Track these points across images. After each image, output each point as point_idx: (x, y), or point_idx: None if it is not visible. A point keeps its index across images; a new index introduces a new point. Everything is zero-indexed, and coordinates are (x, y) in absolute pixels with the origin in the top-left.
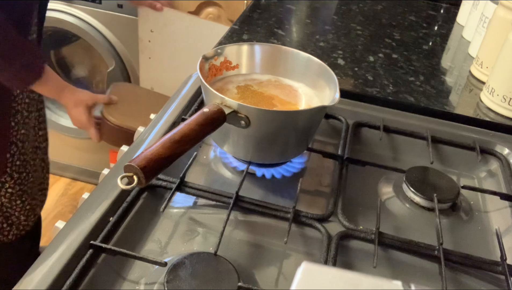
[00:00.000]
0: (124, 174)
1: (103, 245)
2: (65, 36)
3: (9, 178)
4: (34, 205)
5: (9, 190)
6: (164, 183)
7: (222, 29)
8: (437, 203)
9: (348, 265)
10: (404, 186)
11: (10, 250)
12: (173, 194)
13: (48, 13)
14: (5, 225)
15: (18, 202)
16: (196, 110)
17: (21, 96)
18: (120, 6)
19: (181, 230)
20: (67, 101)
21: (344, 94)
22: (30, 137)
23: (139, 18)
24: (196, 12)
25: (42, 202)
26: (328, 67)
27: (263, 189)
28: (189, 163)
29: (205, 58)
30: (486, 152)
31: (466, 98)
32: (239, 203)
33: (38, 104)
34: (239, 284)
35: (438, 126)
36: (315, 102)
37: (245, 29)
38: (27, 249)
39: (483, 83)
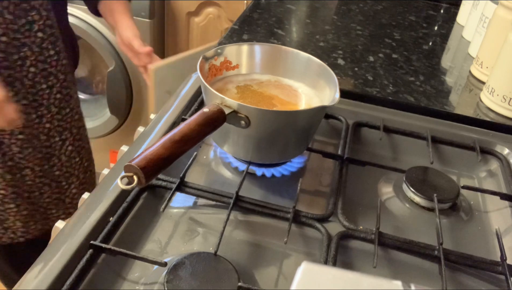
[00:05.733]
0: (124, 174)
1: (103, 245)
2: None
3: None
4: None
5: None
6: (164, 183)
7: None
8: (437, 203)
9: (348, 265)
10: (404, 186)
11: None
12: (173, 194)
13: None
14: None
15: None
16: (196, 110)
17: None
18: None
19: (181, 230)
20: None
21: (344, 94)
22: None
23: (140, 17)
24: (196, 12)
25: None
26: (328, 67)
27: (263, 189)
28: (189, 163)
29: (205, 58)
30: (486, 152)
31: (466, 98)
32: (239, 203)
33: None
34: (239, 284)
35: (438, 126)
36: (315, 102)
37: (245, 29)
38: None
39: (483, 83)
